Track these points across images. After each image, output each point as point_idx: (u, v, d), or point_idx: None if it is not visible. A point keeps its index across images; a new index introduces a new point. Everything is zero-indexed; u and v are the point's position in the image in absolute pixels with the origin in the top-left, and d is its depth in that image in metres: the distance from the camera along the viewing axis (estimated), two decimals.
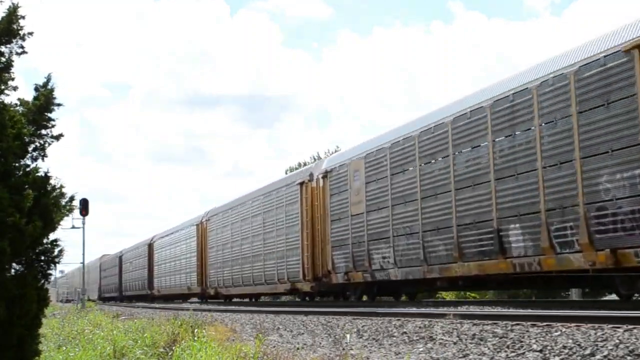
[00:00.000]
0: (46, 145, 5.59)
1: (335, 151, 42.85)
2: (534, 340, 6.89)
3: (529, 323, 8.12)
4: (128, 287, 53.04)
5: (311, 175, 22.09)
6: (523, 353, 6.47)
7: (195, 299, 39.26)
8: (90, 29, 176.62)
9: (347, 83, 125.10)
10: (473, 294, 23.88)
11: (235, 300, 33.62)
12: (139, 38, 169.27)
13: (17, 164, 5.33)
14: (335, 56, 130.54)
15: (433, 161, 15.57)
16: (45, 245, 5.47)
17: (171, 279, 39.71)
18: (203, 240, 33.59)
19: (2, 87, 5.24)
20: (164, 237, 42.28)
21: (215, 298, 33.74)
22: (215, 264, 31.44)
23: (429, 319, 10.03)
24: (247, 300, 33.09)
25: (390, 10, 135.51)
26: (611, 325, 7.09)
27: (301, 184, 22.26)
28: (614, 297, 18.91)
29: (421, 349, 7.58)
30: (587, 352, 5.98)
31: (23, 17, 5.33)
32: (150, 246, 45.62)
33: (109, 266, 63.62)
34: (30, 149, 5.51)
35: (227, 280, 29.71)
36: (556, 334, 7.10)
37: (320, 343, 9.22)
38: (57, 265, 5.67)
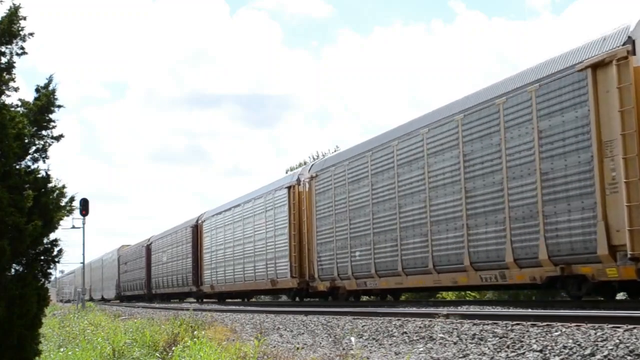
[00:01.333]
0: (47, 145, 5.60)
1: (335, 151, 42.36)
2: (534, 340, 6.90)
3: (529, 323, 8.12)
4: (160, 283, 42.06)
5: None
6: (523, 353, 6.47)
7: (275, 297, 31.88)
8: (89, 29, 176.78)
9: (347, 82, 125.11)
10: (473, 294, 23.22)
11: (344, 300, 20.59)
12: (138, 37, 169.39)
13: (17, 165, 5.34)
14: (336, 55, 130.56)
15: None
16: (45, 245, 5.48)
17: (236, 270, 28.17)
18: (306, 205, 21.47)
19: (3, 87, 5.25)
20: (220, 214, 30.91)
21: (319, 295, 22.32)
22: (328, 242, 19.95)
23: (429, 319, 10.04)
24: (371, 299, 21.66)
25: (391, 9, 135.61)
26: (611, 325, 7.09)
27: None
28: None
29: (421, 349, 7.59)
30: (587, 352, 5.98)
31: (24, 18, 5.34)
32: (196, 228, 34.75)
33: (131, 258, 51.56)
34: (31, 150, 5.52)
35: (360, 267, 18.24)
36: (556, 334, 7.10)
37: (320, 343, 9.22)
38: (57, 264, 5.67)
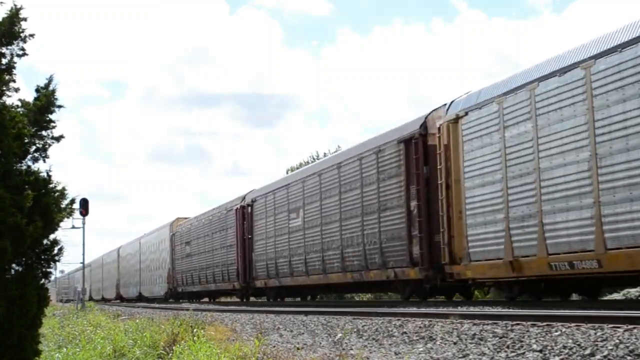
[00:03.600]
0: (47, 146, 5.61)
1: (336, 151, 42.17)
2: (534, 340, 6.90)
3: (529, 323, 8.13)
4: (284, 268, 23.04)
5: None
6: (523, 353, 6.47)
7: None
8: (88, 28, 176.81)
9: (347, 82, 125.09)
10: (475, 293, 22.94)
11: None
12: (137, 37, 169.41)
13: (17, 165, 5.34)
14: (336, 55, 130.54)
15: None
16: (45, 246, 5.49)
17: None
18: None
19: (3, 88, 5.25)
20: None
21: None
22: None
23: (429, 319, 10.04)
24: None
25: (391, 8, 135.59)
26: (611, 325, 7.10)
27: None
28: (614, 296, 18.96)
29: (421, 349, 7.59)
30: (587, 352, 5.98)
31: (25, 19, 5.34)
32: (419, 141, 15.76)
33: (201, 233, 33.05)
34: (31, 150, 5.53)
35: None
36: (556, 334, 7.11)
37: (320, 343, 9.23)
38: (57, 264, 5.68)
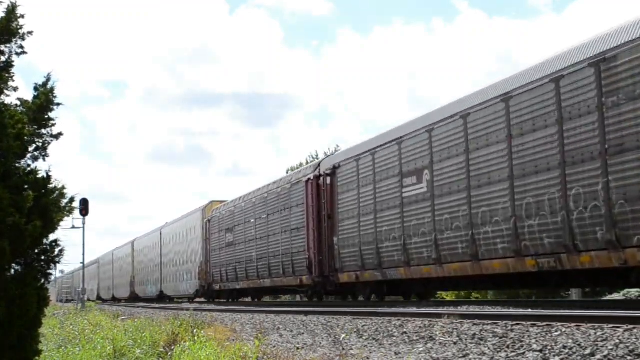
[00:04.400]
0: (46, 144, 5.61)
1: (335, 151, 42.10)
2: (534, 340, 6.90)
3: (529, 323, 8.13)
4: (391, 254, 16.68)
5: None
6: (523, 353, 6.47)
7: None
8: (88, 28, 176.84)
9: (347, 82, 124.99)
10: (475, 294, 23.11)
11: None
12: (137, 36, 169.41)
13: (17, 164, 5.34)
14: (336, 54, 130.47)
15: None
16: (45, 246, 5.48)
17: None
18: None
19: (2, 87, 5.25)
20: None
21: None
22: None
23: (429, 319, 10.04)
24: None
25: (391, 7, 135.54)
26: (611, 325, 7.10)
27: None
28: (614, 297, 18.95)
29: (421, 349, 7.59)
30: (587, 352, 5.98)
31: (22, 17, 5.34)
32: None
33: (249, 217, 26.52)
34: (31, 148, 5.53)
35: None
36: (556, 334, 7.11)
37: (320, 343, 9.23)
38: (57, 265, 5.67)
